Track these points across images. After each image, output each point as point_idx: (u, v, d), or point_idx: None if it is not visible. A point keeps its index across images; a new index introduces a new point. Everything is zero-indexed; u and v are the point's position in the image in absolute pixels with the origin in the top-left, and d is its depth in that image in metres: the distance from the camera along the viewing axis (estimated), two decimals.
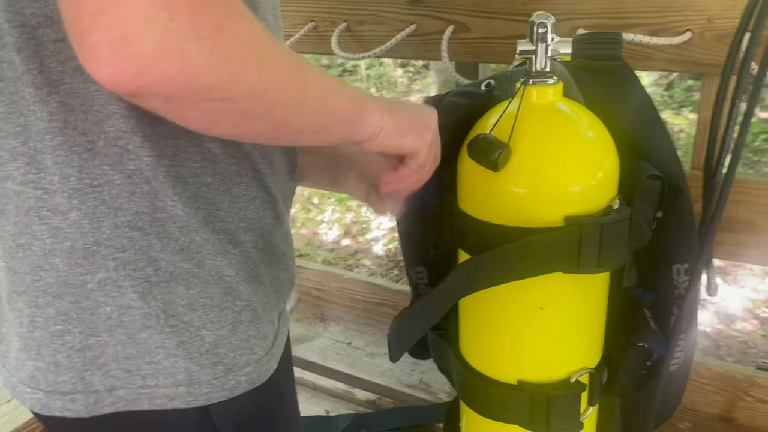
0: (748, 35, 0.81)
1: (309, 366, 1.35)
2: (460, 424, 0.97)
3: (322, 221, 3.08)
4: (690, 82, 3.71)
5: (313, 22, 1.26)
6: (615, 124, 0.78)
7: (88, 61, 0.41)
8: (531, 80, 0.74)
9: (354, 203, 3.09)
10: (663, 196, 0.80)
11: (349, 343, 1.39)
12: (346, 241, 2.91)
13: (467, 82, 1.07)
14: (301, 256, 2.81)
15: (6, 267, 0.59)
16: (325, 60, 3.97)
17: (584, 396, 0.83)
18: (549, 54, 0.73)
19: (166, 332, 0.58)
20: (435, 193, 0.81)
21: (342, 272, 1.51)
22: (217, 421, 0.64)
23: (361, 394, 1.26)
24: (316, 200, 3.22)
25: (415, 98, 4.04)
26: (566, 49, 0.72)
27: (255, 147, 0.63)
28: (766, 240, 1.05)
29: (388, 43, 1.16)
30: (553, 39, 0.72)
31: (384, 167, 0.82)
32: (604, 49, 0.69)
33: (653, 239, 0.83)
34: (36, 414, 0.62)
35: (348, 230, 2.99)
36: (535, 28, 0.72)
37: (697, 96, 3.51)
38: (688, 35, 0.96)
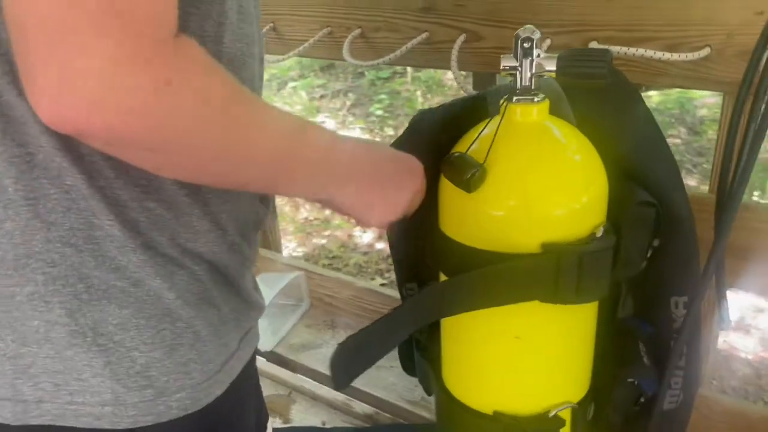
0: None
1: (312, 374, 1.34)
2: None
3: None
4: None
5: (329, 28, 1.24)
6: (608, 145, 0.73)
7: (32, 98, 0.43)
8: (514, 97, 0.70)
9: None
10: (659, 223, 0.75)
11: None
12: (380, 245, 2.89)
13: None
14: (334, 257, 2.80)
15: None
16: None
17: None
18: (534, 70, 0.69)
19: (93, 351, 0.57)
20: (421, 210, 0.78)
21: (354, 280, 1.50)
22: None
23: (359, 407, 1.24)
24: None
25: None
26: (552, 66, 0.68)
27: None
28: None
29: (398, 51, 1.13)
30: (538, 54, 0.68)
31: None
32: (588, 66, 0.65)
33: (649, 269, 0.78)
34: None
35: (382, 234, 2.97)
36: (519, 42, 0.68)
37: None
38: (706, 51, 0.89)
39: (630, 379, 0.79)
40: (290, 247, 2.89)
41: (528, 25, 0.69)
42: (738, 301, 2.17)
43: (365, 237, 2.97)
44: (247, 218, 0.67)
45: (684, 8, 0.90)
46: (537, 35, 0.68)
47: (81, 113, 0.42)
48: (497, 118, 0.71)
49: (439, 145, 0.76)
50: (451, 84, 4.44)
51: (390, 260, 2.81)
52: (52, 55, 0.41)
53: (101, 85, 0.42)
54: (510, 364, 0.75)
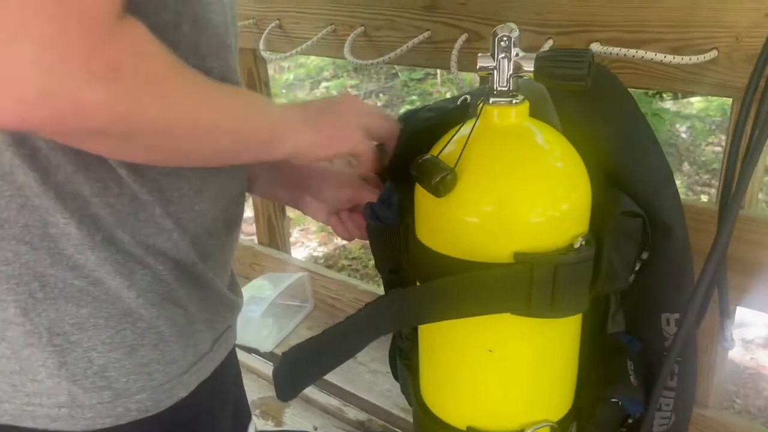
0: None
1: None
2: None
3: None
4: None
5: (333, 26, 1.22)
6: (593, 150, 0.69)
7: None
8: (491, 99, 0.67)
9: None
10: (647, 234, 0.70)
11: (354, 357, 1.34)
12: None
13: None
14: (354, 258, 2.79)
15: None
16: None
17: None
18: (512, 71, 0.65)
19: (48, 351, 0.56)
20: (394, 214, 0.75)
21: (357, 283, 1.47)
22: None
23: (352, 413, 1.22)
24: None
25: None
26: (530, 66, 0.64)
27: (165, 175, 0.59)
28: None
29: (399, 50, 1.10)
30: (517, 54, 0.65)
31: (339, 193, 0.78)
32: (567, 68, 0.61)
33: (639, 283, 0.74)
34: None
35: None
36: (496, 41, 0.65)
37: None
38: (713, 54, 0.84)
39: (614, 399, 0.75)
40: (311, 246, 2.89)
41: (508, 23, 0.66)
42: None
43: None
44: (215, 216, 0.66)
45: (690, 9, 0.85)
46: (515, 33, 0.64)
47: (29, 106, 0.41)
48: (472, 120, 0.67)
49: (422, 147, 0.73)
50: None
51: None
52: None
53: (47, 74, 0.40)
54: (483, 378, 0.71)
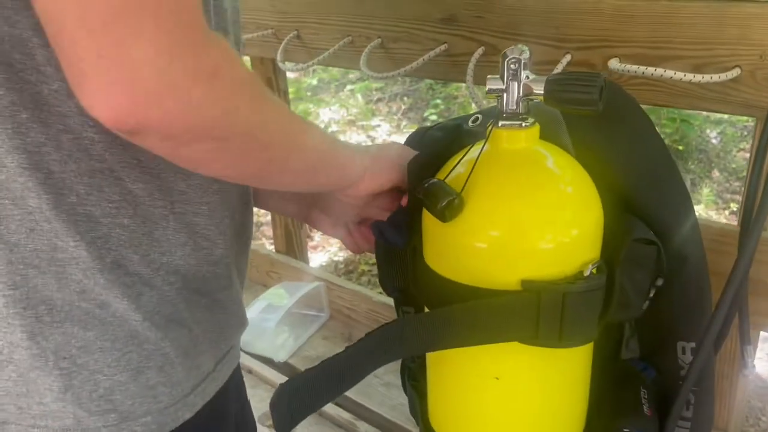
0: None
1: None
2: None
3: None
4: None
5: (350, 37, 1.22)
6: (608, 175, 0.68)
7: (85, 99, 0.43)
8: (500, 122, 0.65)
9: None
10: (662, 262, 0.68)
11: None
12: None
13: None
14: (374, 264, 2.77)
15: None
16: None
17: None
18: (521, 94, 0.64)
19: (54, 375, 0.56)
20: (402, 236, 0.74)
21: (372, 294, 1.46)
22: None
23: (364, 428, 1.21)
24: None
25: None
26: (540, 89, 0.63)
27: (184, 189, 0.59)
28: None
29: (414, 63, 1.09)
30: (527, 77, 0.63)
31: (348, 208, 0.77)
32: (577, 92, 0.59)
33: (654, 310, 0.71)
34: None
35: None
36: (506, 63, 0.63)
37: None
38: (736, 72, 0.82)
39: (626, 430, 0.72)
40: (332, 251, 2.88)
41: (519, 45, 0.64)
42: None
43: None
44: (226, 230, 0.65)
45: (714, 25, 0.83)
46: (525, 55, 0.63)
47: (145, 105, 0.42)
48: (481, 143, 0.66)
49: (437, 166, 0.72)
50: None
51: None
52: (108, 47, 0.40)
53: (158, 75, 0.42)
54: (490, 405, 0.70)
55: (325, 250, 2.89)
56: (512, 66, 0.63)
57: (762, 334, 0.95)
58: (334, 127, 4.17)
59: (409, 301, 0.87)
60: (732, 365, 0.94)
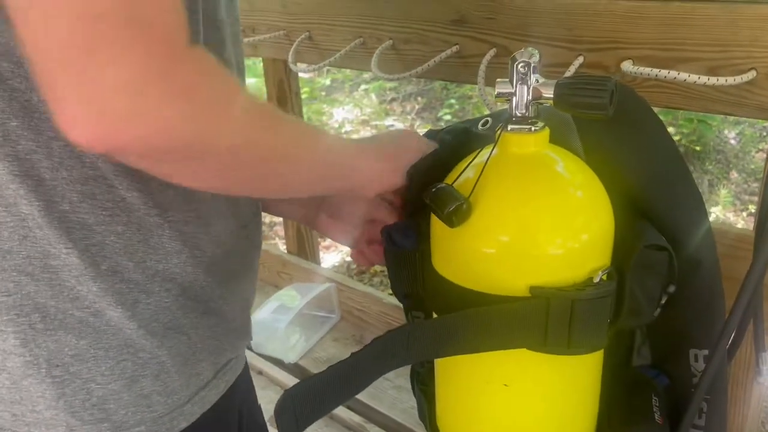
0: None
1: None
2: None
3: None
4: None
5: (361, 38, 1.21)
6: (619, 180, 0.67)
7: (64, 125, 0.43)
8: (509, 126, 0.64)
9: None
10: (674, 268, 0.67)
11: None
12: None
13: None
14: None
15: None
16: None
17: None
18: (531, 97, 0.63)
19: (47, 383, 0.56)
20: (411, 241, 0.73)
21: (383, 296, 1.46)
22: None
23: (374, 431, 1.20)
24: None
25: None
26: (550, 93, 0.62)
27: (180, 196, 0.59)
28: None
29: (425, 65, 1.08)
30: (536, 80, 0.62)
31: (355, 209, 0.77)
32: (587, 96, 0.58)
33: (666, 317, 0.70)
34: None
35: None
36: (515, 66, 0.62)
37: None
38: (751, 74, 0.80)
39: None
40: (345, 251, 2.88)
41: (528, 48, 0.63)
42: None
43: None
44: (225, 239, 0.65)
45: (728, 27, 0.81)
46: (535, 59, 0.62)
47: (119, 129, 0.42)
48: (490, 147, 0.65)
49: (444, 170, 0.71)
50: None
51: None
52: (80, 75, 0.41)
53: (134, 97, 0.42)
54: (499, 412, 0.69)
55: (337, 251, 2.89)
56: (521, 69, 0.62)
57: None
58: (348, 127, 4.17)
59: (418, 306, 0.86)
60: (747, 372, 0.92)
